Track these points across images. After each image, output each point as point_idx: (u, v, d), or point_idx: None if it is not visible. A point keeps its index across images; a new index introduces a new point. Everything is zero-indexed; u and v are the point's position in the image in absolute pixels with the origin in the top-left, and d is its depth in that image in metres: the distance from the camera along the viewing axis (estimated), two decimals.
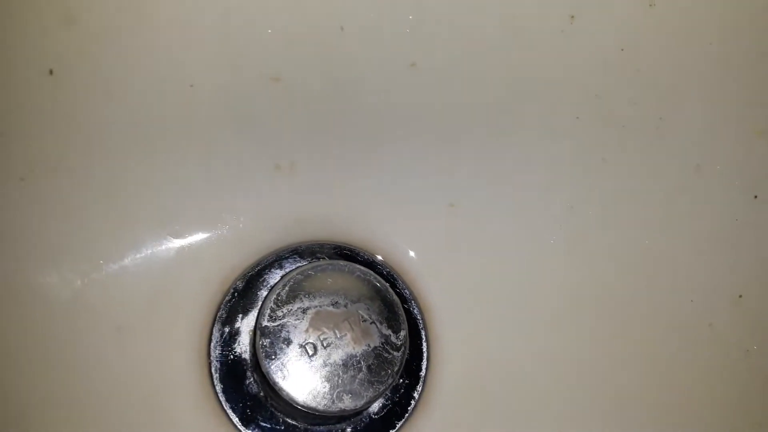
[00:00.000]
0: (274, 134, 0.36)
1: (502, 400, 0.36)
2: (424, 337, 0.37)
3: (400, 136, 0.37)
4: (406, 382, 0.36)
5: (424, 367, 0.37)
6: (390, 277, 0.38)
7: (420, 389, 0.36)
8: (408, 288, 0.38)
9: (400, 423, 0.35)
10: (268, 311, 0.33)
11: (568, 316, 0.38)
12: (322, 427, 0.36)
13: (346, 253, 0.37)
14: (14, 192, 0.35)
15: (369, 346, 0.34)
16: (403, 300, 0.37)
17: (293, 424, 0.35)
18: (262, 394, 0.35)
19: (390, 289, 0.35)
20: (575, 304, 0.38)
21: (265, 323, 0.33)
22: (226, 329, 0.36)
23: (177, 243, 0.36)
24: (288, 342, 0.33)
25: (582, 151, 0.38)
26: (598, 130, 0.37)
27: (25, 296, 0.34)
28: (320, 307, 0.34)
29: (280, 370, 0.33)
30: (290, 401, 0.33)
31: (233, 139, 0.36)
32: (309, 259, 0.37)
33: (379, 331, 0.34)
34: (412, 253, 0.38)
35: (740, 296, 0.37)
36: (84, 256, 0.35)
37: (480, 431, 0.36)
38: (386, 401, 0.36)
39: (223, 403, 0.35)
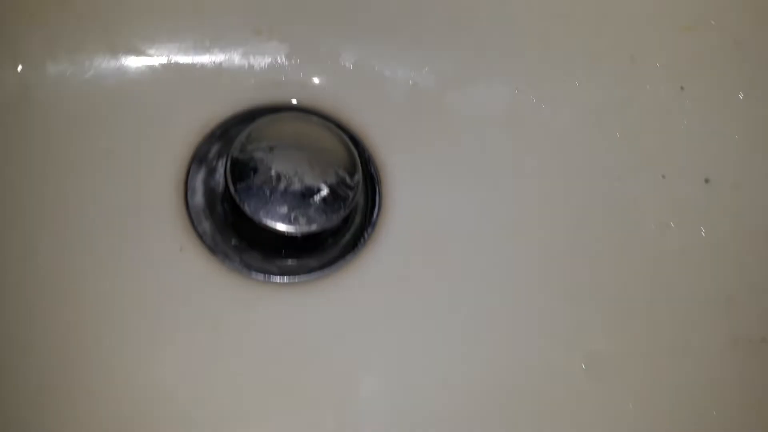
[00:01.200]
0: (256, 1, 0.41)
1: (443, 249, 0.41)
2: (377, 191, 0.42)
3: (374, 8, 0.42)
4: (359, 224, 0.41)
5: (375, 213, 0.41)
6: (353, 138, 0.42)
7: (371, 231, 0.41)
8: (368, 150, 0.42)
9: (350, 255, 0.40)
10: (240, 145, 0.38)
11: (512, 184, 0.42)
12: (282, 260, 0.40)
13: (317, 114, 0.42)
14: None
15: (326, 182, 0.38)
16: (363, 159, 0.42)
17: (259, 250, 0.40)
18: (230, 219, 0.40)
19: (350, 142, 0.40)
20: (520, 175, 0.43)
21: (236, 154, 0.38)
22: (203, 165, 0.41)
23: (165, 88, 0.41)
24: (255, 171, 0.38)
25: None
26: None
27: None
28: (287, 146, 0.39)
29: (246, 193, 0.38)
30: (255, 221, 0.37)
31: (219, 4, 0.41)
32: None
33: (336, 173, 0.39)
34: (375, 120, 0.43)
35: (663, 176, 0.42)
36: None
37: (418, 270, 0.40)
38: (340, 238, 0.41)
39: (197, 226, 0.40)
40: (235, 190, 0.37)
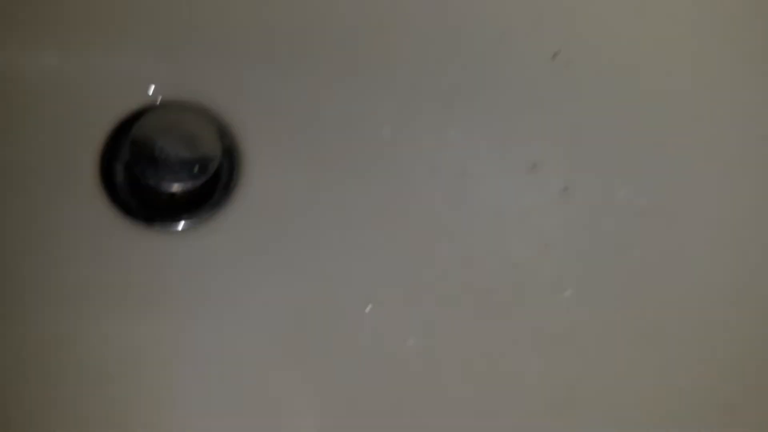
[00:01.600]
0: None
1: (282, 217, 0.57)
2: (236, 171, 0.58)
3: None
4: (222, 196, 0.57)
5: (231, 187, 0.58)
6: (222, 129, 0.58)
7: (227, 201, 0.57)
8: (233, 139, 0.58)
9: (209, 215, 0.57)
10: (137, 129, 0.55)
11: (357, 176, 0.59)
12: (164, 218, 0.56)
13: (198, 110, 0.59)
14: None
15: (194, 156, 0.55)
16: (227, 145, 0.58)
17: (149, 206, 0.56)
18: (130, 185, 0.56)
19: (217, 130, 0.56)
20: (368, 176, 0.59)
21: (134, 134, 0.54)
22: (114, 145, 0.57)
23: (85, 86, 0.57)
24: (144, 148, 0.54)
25: None
26: None
27: None
28: (170, 130, 0.55)
29: (139, 162, 0.54)
30: (145, 181, 0.53)
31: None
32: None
33: (204, 153, 0.55)
34: (244, 117, 0.59)
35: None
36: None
37: (258, 233, 0.57)
38: (206, 203, 0.57)
39: (103, 189, 0.56)
40: (132, 159, 0.53)
